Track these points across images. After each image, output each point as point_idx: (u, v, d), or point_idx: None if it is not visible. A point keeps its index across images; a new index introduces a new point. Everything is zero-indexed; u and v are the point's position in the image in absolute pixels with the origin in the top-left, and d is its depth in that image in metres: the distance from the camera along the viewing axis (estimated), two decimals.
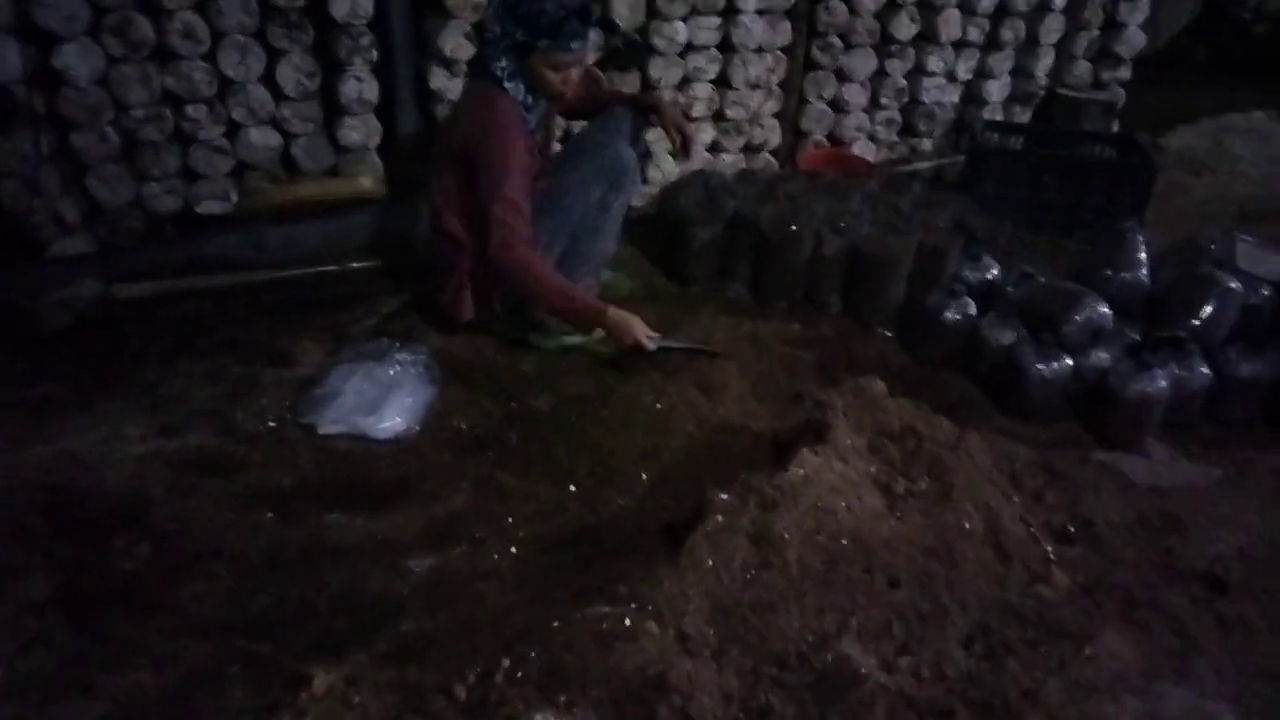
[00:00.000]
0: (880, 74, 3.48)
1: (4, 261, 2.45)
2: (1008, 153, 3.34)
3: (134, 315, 2.43)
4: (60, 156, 2.50)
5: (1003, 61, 3.68)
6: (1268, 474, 2.12)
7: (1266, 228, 3.37)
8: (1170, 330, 2.24)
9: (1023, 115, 3.88)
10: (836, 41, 3.33)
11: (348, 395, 2.06)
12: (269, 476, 1.92)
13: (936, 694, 1.45)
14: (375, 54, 2.69)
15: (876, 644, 1.52)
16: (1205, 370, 2.20)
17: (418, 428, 2.06)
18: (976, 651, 1.56)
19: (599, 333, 2.34)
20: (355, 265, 2.69)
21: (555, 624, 1.53)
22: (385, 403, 2.05)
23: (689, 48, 3.08)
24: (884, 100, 3.53)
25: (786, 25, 3.23)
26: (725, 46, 3.16)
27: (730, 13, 3.10)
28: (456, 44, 2.70)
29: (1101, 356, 2.24)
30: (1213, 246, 2.54)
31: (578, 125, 2.78)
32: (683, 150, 2.53)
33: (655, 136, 2.77)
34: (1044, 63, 3.76)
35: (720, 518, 1.62)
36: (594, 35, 2.11)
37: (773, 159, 3.47)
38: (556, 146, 2.92)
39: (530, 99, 2.19)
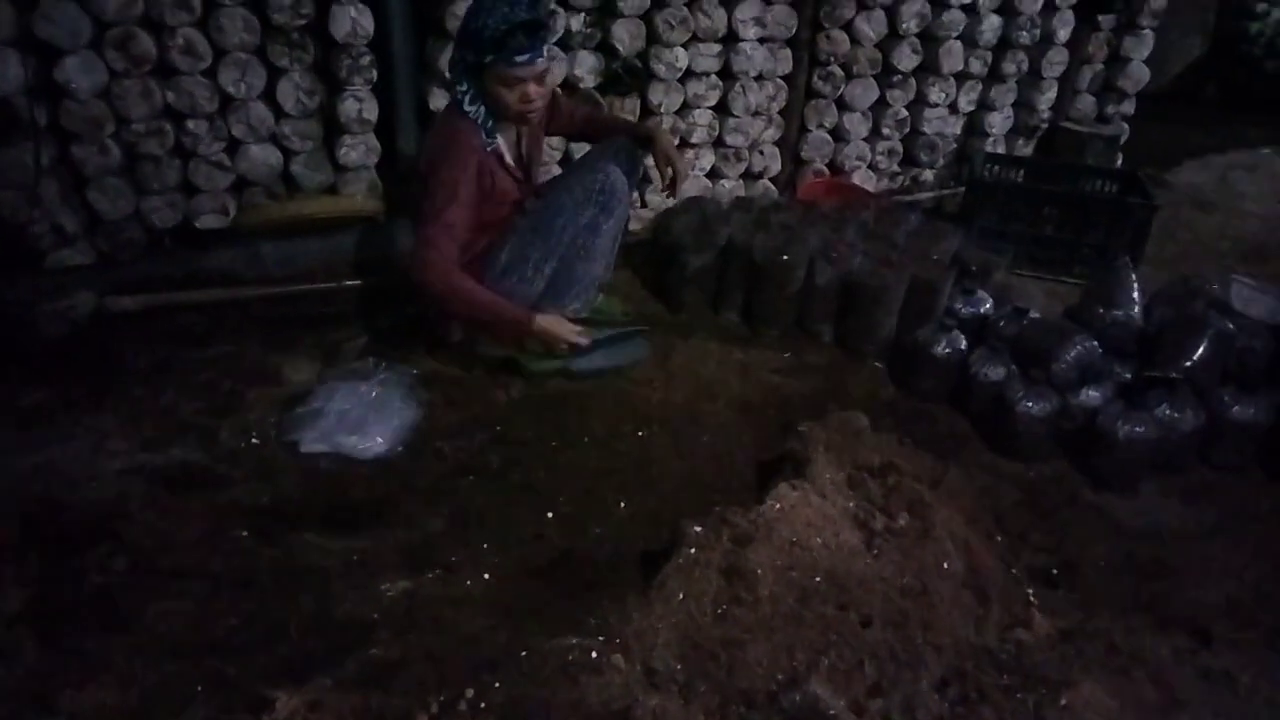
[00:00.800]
0: (881, 104, 3.48)
1: (2, 271, 2.47)
2: (1007, 185, 3.33)
3: (127, 328, 2.44)
4: (61, 168, 2.53)
5: (1005, 94, 3.68)
6: (1259, 520, 2.09)
7: (1269, 267, 3.35)
8: (1162, 370, 2.22)
9: (1025, 148, 3.87)
10: (838, 71, 3.34)
11: (331, 414, 2.06)
12: (248, 494, 1.92)
13: None
14: (375, 73, 2.71)
15: (847, 684, 1.50)
16: (1197, 412, 2.18)
17: (400, 449, 2.06)
18: (950, 696, 1.53)
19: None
20: (350, 283, 2.70)
21: (523, 654, 1.52)
22: (368, 423, 2.05)
23: (689, 74, 3.10)
24: (885, 130, 3.54)
25: (788, 53, 3.24)
26: (726, 74, 3.18)
27: (731, 40, 3.12)
28: None
29: (1092, 395, 2.22)
30: (1214, 287, 2.52)
31: (582, 148, 2.80)
32: (669, 187, 2.50)
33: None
34: (1047, 96, 3.76)
35: (693, 550, 1.61)
36: (544, 48, 2.08)
37: (772, 186, 3.47)
38: (556, 169, 2.94)
39: (492, 122, 2.19)
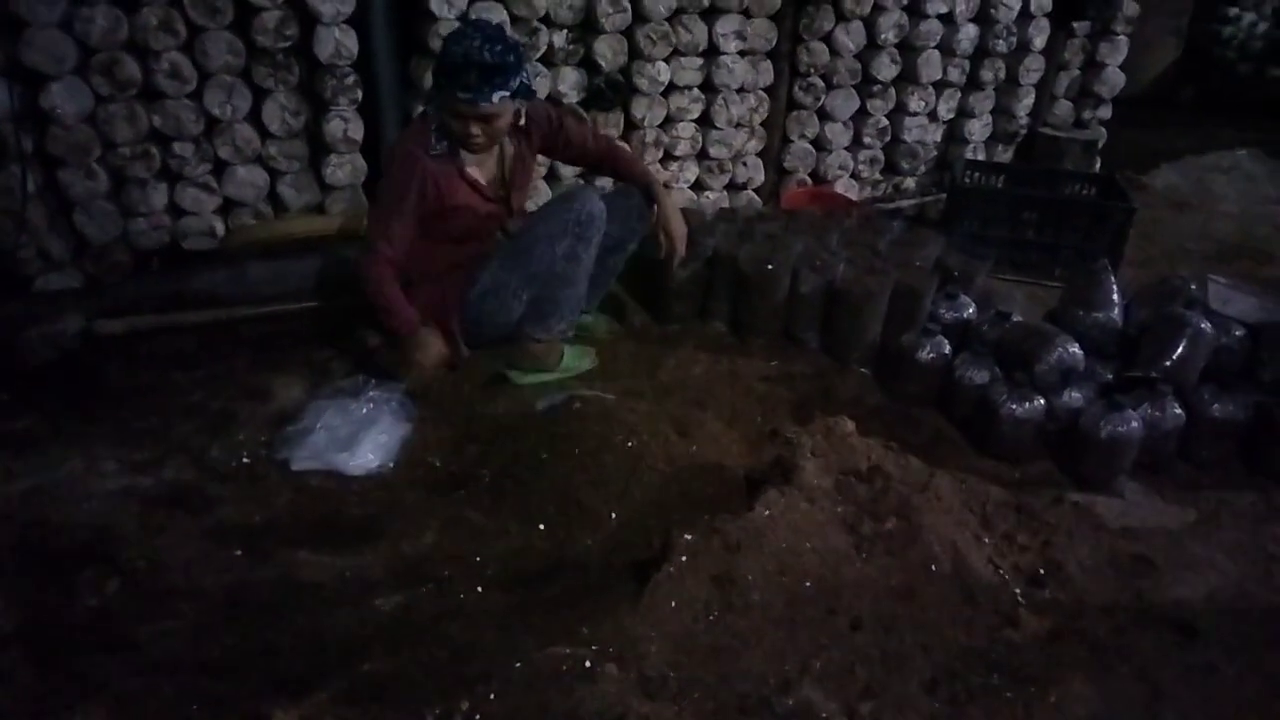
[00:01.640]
0: (862, 113, 3.53)
1: None
2: (987, 191, 3.38)
3: (116, 350, 2.45)
4: (48, 193, 2.54)
5: (983, 101, 3.74)
6: (1240, 516, 2.12)
7: (1245, 266, 3.40)
8: (1143, 370, 2.25)
9: (1005, 154, 3.93)
10: (818, 82, 3.38)
11: (322, 431, 2.07)
12: (240, 513, 1.93)
13: None
14: (360, 93, 2.74)
15: (839, 688, 1.52)
16: (1178, 411, 2.21)
17: (391, 465, 2.06)
18: (940, 696, 1.55)
19: (580, 363, 2.43)
20: (337, 302, 2.71)
21: (517, 665, 1.53)
22: (359, 439, 2.06)
23: (672, 88, 3.13)
24: (866, 139, 3.58)
25: (768, 66, 3.28)
26: (708, 87, 3.21)
27: (712, 53, 3.16)
28: None
29: (1074, 396, 2.25)
30: (1192, 287, 2.56)
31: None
32: (666, 257, 2.47)
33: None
34: (1024, 102, 3.82)
35: (684, 558, 1.62)
36: (495, 94, 2.07)
37: (757, 197, 3.51)
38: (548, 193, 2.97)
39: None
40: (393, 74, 2.79)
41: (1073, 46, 3.83)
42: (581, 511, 1.93)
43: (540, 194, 3.01)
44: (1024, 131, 3.90)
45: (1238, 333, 2.35)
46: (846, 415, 2.21)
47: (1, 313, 2.43)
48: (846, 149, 3.58)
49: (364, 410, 2.11)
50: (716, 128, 3.27)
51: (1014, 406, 2.20)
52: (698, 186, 3.41)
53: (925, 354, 2.39)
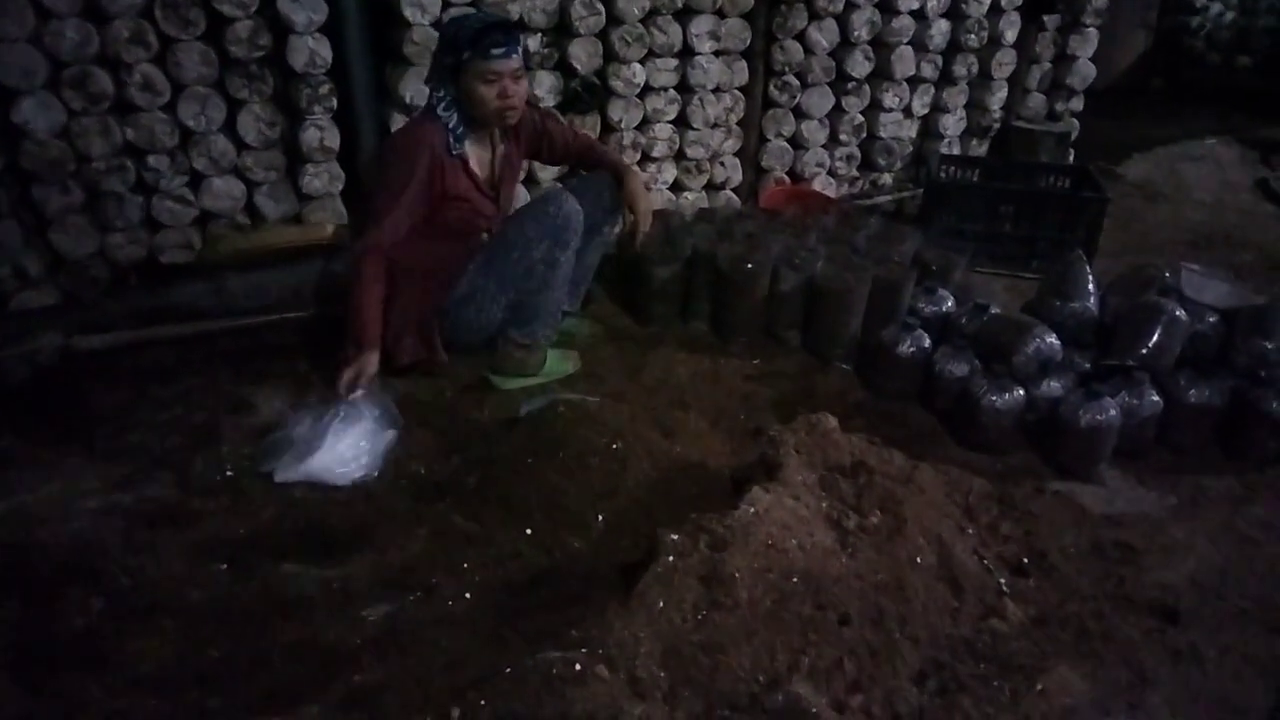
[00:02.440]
0: (838, 111, 3.55)
1: None
2: (963, 186, 3.41)
3: (95, 367, 2.43)
4: (22, 210, 2.51)
5: (957, 96, 3.77)
6: (1219, 500, 2.16)
7: (1218, 253, 3.45)
8: (1119, 359, 2.28)
9: (979, 148, 3.96)
10: (793, 80, 3.40)
11: (305, 442, 2.05)
12: (225, 527, 1.92)
13: None
14: (335, 102, 2.73)
15: (828, 682, 1.53)
16: (1155, 398, 2.24)
17: (376, 473, 2.06)
18: (929, 688, 1.56)
19: (563, 366, 2.43)
20: (317, 311, 2.70)
21: (507, 670, 1.53)
22: (342, 449, 2.05)
23: (648, 89, 3.14)
24: (842, 136, 3.60)
25: (743, 65, 3.30)
26: (684, 87, 3.23)
27: (687, 54, 3.17)
28: (417, 90, 2.74)
29: (1053, 386, 2.28)
30: (1166, 275, 2.59)
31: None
32: (631, 231, 2.49)
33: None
34: (998, 96, 3.85)
35: (671, 558, 1.62)
36: (519, 49, 2.17)
37: (735, 196, 3.52)
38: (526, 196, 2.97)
39: (462, 128, 2.23)
40: (367, 82, 2.78)
41: (1044, 40, 3.87)
42: (568, 515, 1.93)
43: (519, 198, 3.01)
44: (998, 125, 3.93)
45: (1211, 319, 2.39)
46: (829, 411, 2.22)
47: None
48: (823, 146, 3.60)
49: (346, 420, 2.10)
50: (693, 128, 3.28)
51: (994, 398, 2.23)
52: (676, 187, 3.42)
53: (905, 348, 2.41)
